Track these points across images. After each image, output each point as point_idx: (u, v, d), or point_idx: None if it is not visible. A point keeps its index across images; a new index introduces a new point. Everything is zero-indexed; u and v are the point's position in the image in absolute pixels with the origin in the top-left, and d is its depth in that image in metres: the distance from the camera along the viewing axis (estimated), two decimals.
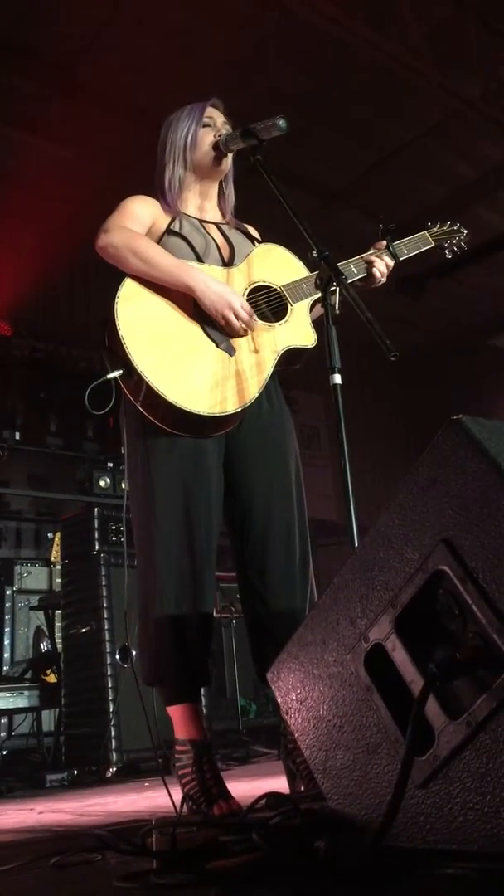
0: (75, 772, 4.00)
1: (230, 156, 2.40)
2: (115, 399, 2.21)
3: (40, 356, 7.59)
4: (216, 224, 2.44)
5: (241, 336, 2.23)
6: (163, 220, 2.34)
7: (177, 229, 2.34)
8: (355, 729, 1.31)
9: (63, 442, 7.35)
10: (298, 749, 1.96)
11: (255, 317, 2.24)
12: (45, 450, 7.22)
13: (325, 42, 4.86)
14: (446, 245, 2.68)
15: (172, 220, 2.35)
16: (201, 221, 2.41)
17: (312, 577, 2.27)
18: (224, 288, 2.21)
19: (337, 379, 1.94)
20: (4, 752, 4.75)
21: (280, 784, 2.16)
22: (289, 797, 1.71)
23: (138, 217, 2.32)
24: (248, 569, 2.25)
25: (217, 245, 2.38)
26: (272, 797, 1.53)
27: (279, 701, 1.47)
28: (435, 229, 2.67)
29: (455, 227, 2.70)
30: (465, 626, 1.17)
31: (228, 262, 2.36)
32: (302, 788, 2.02)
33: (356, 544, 1.71)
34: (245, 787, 2.56)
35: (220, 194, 2.51)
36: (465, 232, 2.71)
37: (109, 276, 2.24)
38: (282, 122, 2.22)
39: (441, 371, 8.57)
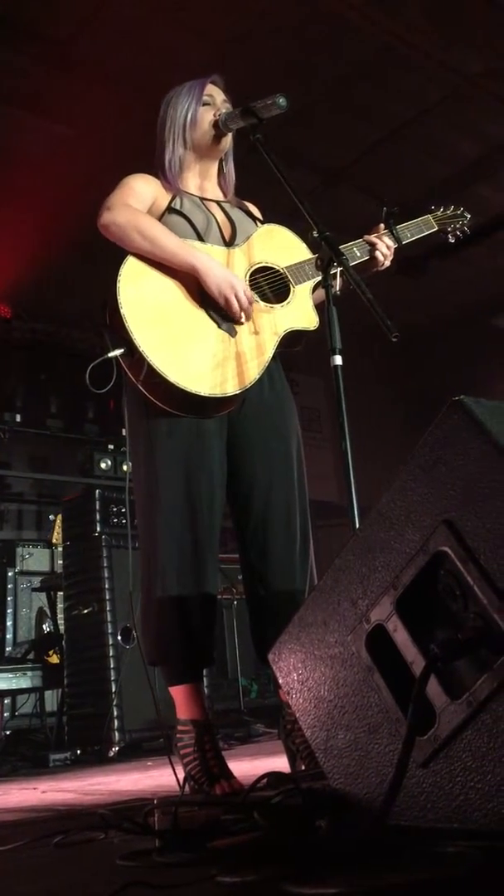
0: (78, 751, 4.03)
1: (230, 134, 2.38)
2: (115, 379, 2.21)
3: (40, 338, 7.58)
4: (217, 202, 2.43)
5: (240, 321, 2.22)
6: (164, 198, 2.33)
7: (178, 207, 2.32)
8: (356, 709, 1.31)
9: (64, 424, 7.36)
10: (298, 729, 1.98)
11: (256, 300, 2.24)
12: (45, 432, 7.23)
13: (324, 18, 4.79)
14: (449, 229, 2.67)
15: (173, 199, 2.33)
16: (202, 199, 2.39)
17: (313, 559, 2.27)
18: (227, 271, 2.20)
19: (338, 360, 1.93)
20: (8, 732, 4.78)
21: (281, 763, 2.17)
22: (290, 776, 1.72)
23: (140, 195, 2.30)
24: (249, 550, 2.25)
25: (218, 223, 2.36)
26: (274, 776, 1.54)
27: (280, 681, 1.48)
28: (438, 213, 2.65)
29: (458, 212, 2.68)
30: (467, 607, 1.17)
31: (230, 241, 2.35)
32: (303, 768, 2.04)
33: (357, 525, 1.71)
34: (246, 767, 2.58)
35: (220, 173, 2.49)
36: (469, 216, 2.69)
37: (110, 256, 2.23)
38: (282, 101, 2.20)
39: (443, 352, 8.54)
